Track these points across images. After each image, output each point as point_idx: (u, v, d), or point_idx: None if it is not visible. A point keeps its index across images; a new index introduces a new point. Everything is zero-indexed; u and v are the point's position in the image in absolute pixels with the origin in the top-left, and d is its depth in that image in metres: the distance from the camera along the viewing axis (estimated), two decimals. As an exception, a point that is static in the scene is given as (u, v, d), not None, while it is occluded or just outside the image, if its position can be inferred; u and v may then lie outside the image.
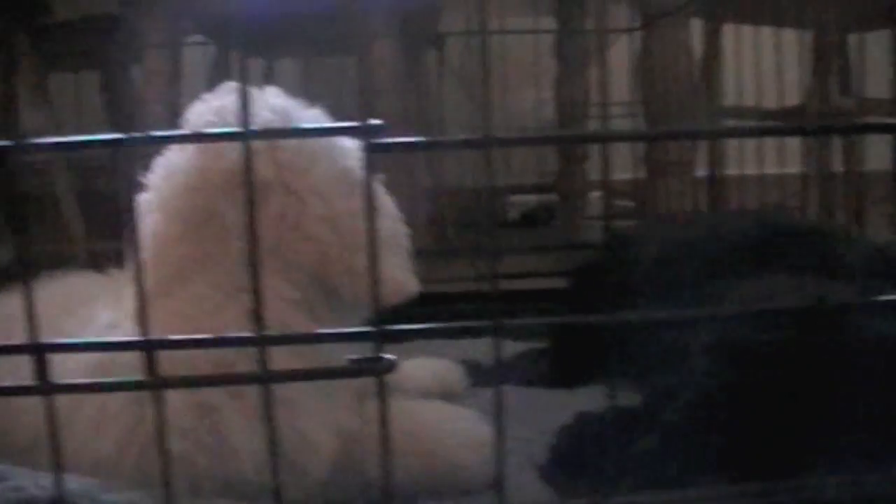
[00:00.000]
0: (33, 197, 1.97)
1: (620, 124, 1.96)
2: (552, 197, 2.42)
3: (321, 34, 1.97)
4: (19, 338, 0.74)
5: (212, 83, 2.12)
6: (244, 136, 0.46)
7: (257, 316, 0.46)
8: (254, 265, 0.45)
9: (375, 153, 0.47)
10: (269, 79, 2.45)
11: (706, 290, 0.83)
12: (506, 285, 1.59)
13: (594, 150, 1.88)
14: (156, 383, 0.48)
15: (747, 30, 2.06)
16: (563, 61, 2.11)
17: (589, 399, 0.94)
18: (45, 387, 0.48)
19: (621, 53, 1.87)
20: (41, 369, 0.48)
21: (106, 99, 2.27)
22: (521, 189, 2.60)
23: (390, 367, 0.49)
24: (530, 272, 1.56)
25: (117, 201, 0.62)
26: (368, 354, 0.49)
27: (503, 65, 1.78)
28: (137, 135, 0.47)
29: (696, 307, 0.80)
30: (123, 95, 2.29)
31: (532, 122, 2.53)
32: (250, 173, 0.45)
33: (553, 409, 0.91)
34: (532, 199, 2.56)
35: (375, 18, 1.84)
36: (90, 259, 1.94)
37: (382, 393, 0.49)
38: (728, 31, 1.96)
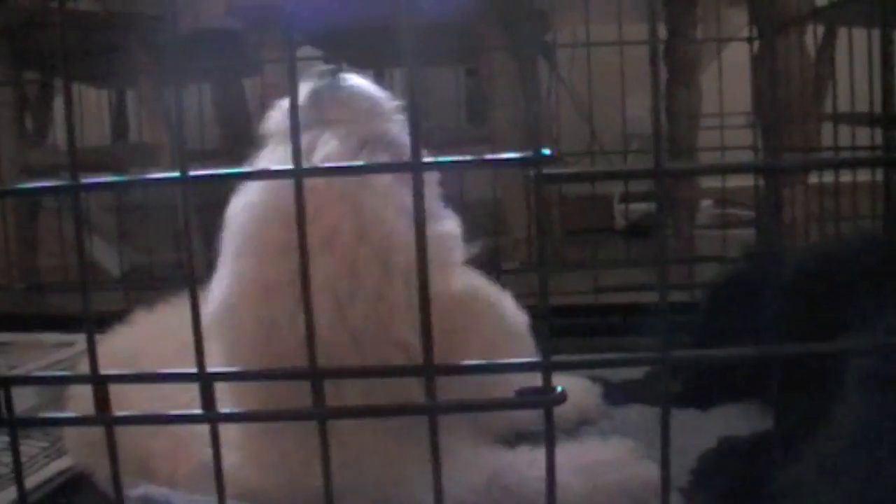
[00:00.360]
0: (152, 207, 2.04)
1: (734, 134, 1.91)
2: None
3: (429, 45, 1.97)
4: (149, 363, 0.76)
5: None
6: (294, 173, 0.45)
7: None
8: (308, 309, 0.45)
9: (546, 184, 0.47)
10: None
11: (852, 314, 0.80)
12: (615, 298, 1.58)
13: (705, 157, 1.83)
14: (322, 413, 0.48)
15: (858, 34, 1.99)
16: (673, 69, 2.07)
17: (724, 421, 0.92)
18: (213, 416, 0.49)
19: (733, 61, 1.83)
20: (208, 397, 0.49)
21: (218, 112, 2.33)
22: (629, 197, 2.57)
23: (561, 399, 0.48)
24: (643, 285, 1.54)
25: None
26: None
27: (612, 71, 1.76)
28: (199, 173, 0.47)
29: (845, 333, 0.77)
30: (237, 108, 2.35)
31: (641, 129, 2.49)
32: (302, 215, 0.45)
33: (687, 431, 0.89)
34: (641, 207, 2.51)
35: (488, 31, 1.84)
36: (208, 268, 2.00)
37: (550, 426, 0.48)
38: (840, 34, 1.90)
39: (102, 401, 0.52)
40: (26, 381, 0.57)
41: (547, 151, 0.46)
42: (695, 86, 1.94)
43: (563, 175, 0.47)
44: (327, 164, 0.65)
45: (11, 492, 0.91)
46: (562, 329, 1.41)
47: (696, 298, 1.58)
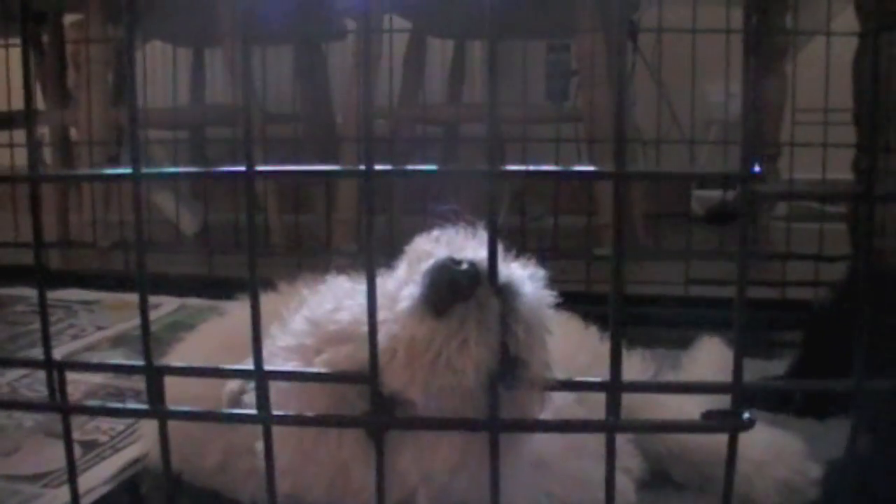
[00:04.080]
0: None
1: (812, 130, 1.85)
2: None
3: (514, 18, 1.94)
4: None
5: (408, 65, 2.13)
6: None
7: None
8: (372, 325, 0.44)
9: (754, 202, 0.44)
10: (458, 62, 2.45)
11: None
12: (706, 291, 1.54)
13: (801, 154, 1.78)
14: (380, 422, 0.47)
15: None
16: (757, 57, 2.01)
17: (842, 434, 0.89)
18: (266, 417, 0.48)
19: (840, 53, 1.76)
20: (263, 396, 0.48)
21: (298, 77, 2.32)
22: (706, 183, 2.52)
23: (749, 425, 0.46)
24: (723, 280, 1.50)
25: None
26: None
27: (694, 56, 1.71)
28: (263, 168, 0.45)
29: None
30: (317, 74, 2.33)
31: (721, 115, 2.43)
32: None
33: (804, 441, 0.86)
34: (717, 194, 2.46)
35: (581, 8, 1.80)
36: (284, 231, 2.00)
37: (733, 453, 0.46)
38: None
39: (157, 393, 0.51)
40: (78, 366, 0.56)
41: (758, 169, 0.44)
42: (781, 76, 1.88)
43: (775, 194, 0.44)
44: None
45: (111, 463, 0.91)
46: (653, 319, 1.39)
47: (786, 296, 1.56)
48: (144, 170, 0.49)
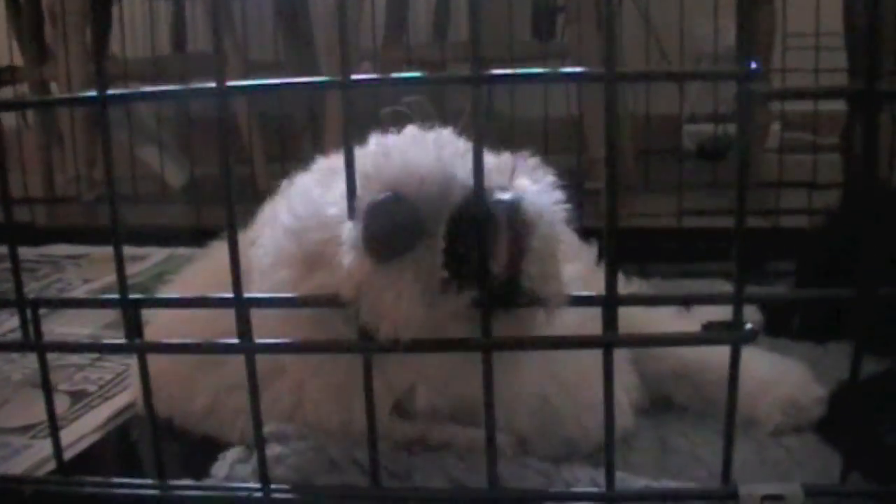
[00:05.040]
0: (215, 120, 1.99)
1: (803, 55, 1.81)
2: (730, 127, 2.29)
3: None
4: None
5: (391, 5, 2.07)
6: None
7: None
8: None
9: (753, 101, 0.42)
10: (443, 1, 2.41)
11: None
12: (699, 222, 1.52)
13: (792, 79, 1.75)
14: (366, 348, 0.46)
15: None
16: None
17: (843, 357, 0.88)
18: (248, 346, 0.47)
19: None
20: (244, 325, 0.47)
21: (280, 23, 2.27)
22: (696, 118, 2.48)
23: (752, 336, 0.44)
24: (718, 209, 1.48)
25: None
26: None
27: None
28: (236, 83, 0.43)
29: None
30: (299, 19, 2.29)
31: (710, 49, 2.39)
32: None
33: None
34: (708, 129, 2.43)
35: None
36: (270, 179, 1.98)
37: (735, 367, 0.45)
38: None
39: (135, 326, 0.49)
40: (52, 303, 0.54)
41: (754, 65, 0.42)
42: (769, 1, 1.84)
43: (772, 93, 0.42)
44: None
45: (100, 413, 0.90)
46: (646, 252, 1.37)
47: (778, 224, 1.54)
48: (110, 92, 0.46)
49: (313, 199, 0.53)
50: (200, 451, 0.69)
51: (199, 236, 1.62)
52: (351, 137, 0.43)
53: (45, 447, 0.82)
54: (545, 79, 0.43)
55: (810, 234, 1.13)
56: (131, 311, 0.49)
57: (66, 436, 0.84)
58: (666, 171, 1.86)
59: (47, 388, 0.53)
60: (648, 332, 0.48)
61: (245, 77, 1.97)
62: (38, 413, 0.89)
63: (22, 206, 1.71)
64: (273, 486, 0.49)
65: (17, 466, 0.77)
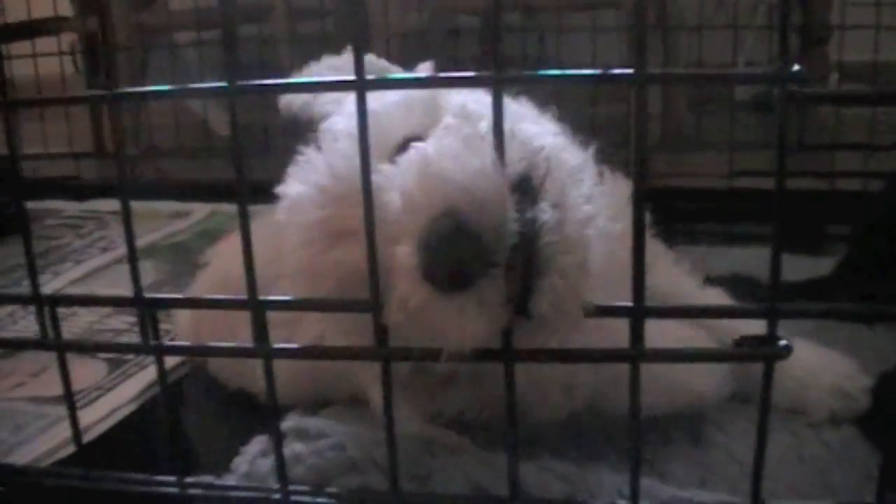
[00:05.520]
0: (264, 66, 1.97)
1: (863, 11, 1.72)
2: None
3: None
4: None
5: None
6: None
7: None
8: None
9: (791, 106, 0.39)
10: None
11: None
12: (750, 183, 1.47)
13: (835, 39, 1.67)
14: (385, 354, 0.44)
15: None
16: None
17: (891, 342, 0.85)
18: (265, 350, 0.46)
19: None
20: (260, 328, 0.45)
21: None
22: (752, 65, 2.40)
23: (785, 353, 0.42)
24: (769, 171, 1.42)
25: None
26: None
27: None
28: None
29: None
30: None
31: None
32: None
33: (854, 349, 0.82)
34: (765, 80, 2.35)
35: None
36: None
37: (768, 385, 0.42)
38: None
39: (152, 327, 0.48)
40: (70, 300, 0.53)
41: (797, 67, 0.39)
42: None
43: (817, 96, 0.39)
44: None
45: (139, 380, 0.90)
46: (696, 213, 1.33)
47: (836, 187, 1.48)
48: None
49: (343, 166, 0.50)
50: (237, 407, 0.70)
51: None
52: (365, 142, 0.41)
53: (81, 418, 0.83)
54: (565, 80, 0.40)
55: (868, 199, 1.08)
56: (147, 312, 0.48)
57: (102, 406, 0.85)
58: (719, 125, 1.80)
59: (69, 390, 0.52)
60: (676, 348, 0.45)
61: (291, 27, 1.96)
62: (77, 380, 0.90)
63: (67, 159, 1.72)
64: (291, 488, 0.49)
65: (53, 439, 0.78)
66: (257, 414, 0.60)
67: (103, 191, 1.63)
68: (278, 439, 0.49)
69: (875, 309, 0.45)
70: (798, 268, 1.08)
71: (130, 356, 0.96)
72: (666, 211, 1.13)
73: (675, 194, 1.43)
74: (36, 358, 0.95)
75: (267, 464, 0.53)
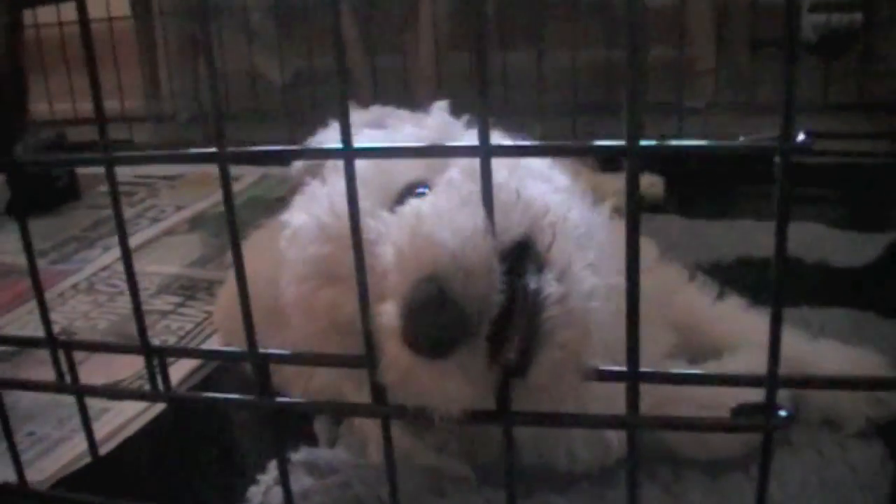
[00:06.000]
0: (314, 8, 1.95)
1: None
2: (856, 17, 2.11)
3: None
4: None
5: None
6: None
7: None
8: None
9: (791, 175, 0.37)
10: None
11: None
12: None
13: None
14: (383, 412, 0.43)
15: None
16: None
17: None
18: (266, 403, 0.45)
19: None
20: (264, 380, 0.45)
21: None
22: (820, 6, 2.29)
23: (786, 423, 0.41)
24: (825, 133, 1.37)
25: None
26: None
27: None
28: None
29: None
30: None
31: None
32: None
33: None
34: (833, 18, 2.24)
35: None
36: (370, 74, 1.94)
37: (767, 456, 0.41)
38: None
39: (164, 376, 0.49)
40: (82, 346, 0.53)
41: (802, 137, 0.37)
42: None
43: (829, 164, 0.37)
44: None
45: (178, 369, 0.92)
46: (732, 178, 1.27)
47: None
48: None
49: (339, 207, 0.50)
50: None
51: (293, 153, 1.64)
52: (355, 205, 0.41)
53: (123, 410, 0.85)
54: (556, 152, 0.39)
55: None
56: (159, 361, 0.49)
57: (139, 403, 0.87)
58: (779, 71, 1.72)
59: (88, 428, 0.53)
60: (672, 416, 0.44)
61: None
62: (122, 368, 0.93)
63: (120, 123, 1.74)
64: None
65: (98, 431, 0.80)
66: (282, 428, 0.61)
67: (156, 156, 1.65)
68: (284, 475, 0.49)
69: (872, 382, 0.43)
70: (850, 247, 1.05)
71: (172, 341, 0.98)
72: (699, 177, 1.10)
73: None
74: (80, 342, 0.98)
75: (280, 494, 0.54)
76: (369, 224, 0.47)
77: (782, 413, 0.41)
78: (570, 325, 0.43)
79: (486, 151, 0.39)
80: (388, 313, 0.43)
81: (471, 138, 0.50)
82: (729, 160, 1.25)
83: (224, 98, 1.76)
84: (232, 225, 0.44)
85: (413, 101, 1.93)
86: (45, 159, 1.10)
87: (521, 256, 0.44)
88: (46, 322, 0.51)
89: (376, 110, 0.63)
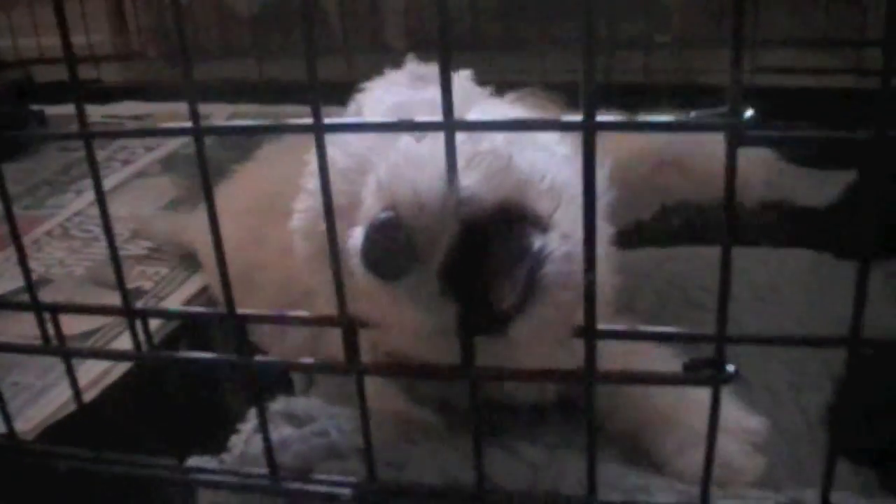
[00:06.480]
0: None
1: None
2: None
3: None
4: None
5: None
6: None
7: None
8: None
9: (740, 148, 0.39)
10: None
11: None
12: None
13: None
14: (356, 370, 0.46)
15: None
16: None
17: (889, 291, 0.85)
18: (244, 361, 0.48)
19: None
20: (241, 340, 0.47)
21: None
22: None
23: (732, 378, 0.44)
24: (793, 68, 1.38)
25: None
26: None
27: None
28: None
29: None
30: None
31: None
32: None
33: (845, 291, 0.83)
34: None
35: None
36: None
37: (716, 407, 0.44)
38: None
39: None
40: (65, 309, 0.55)
41: (750, 113, 0.39)
42: None
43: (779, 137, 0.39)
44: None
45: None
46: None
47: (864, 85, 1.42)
48: None
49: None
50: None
51: (263, 91, 1.62)
52: (326, 179, 0.43)
53: (93, 367, 0.87)
54: (518, 126, 0.41)
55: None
56: (135, 319, 0.51)
57: (121, 344, 0.88)
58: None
59: (74, 382, 0.55)
60: (628, 370, 0.47)
61: None
62: (99, 316, 0.94)
63: (87, 63, 1.72)
64: (279, 475, 0.53)
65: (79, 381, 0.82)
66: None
67: (123, 94, 1.65)
68: (265, 429, 0.52)
69: (817, 340, 0.46)
70: (810, 185, 1.07)
71: (148, 287, 1.00)
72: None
73: (692, 90, 1.40)
74: (58, 293, 0.99)
75: (260, 443, 0.57)
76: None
77: (730, 368, 0.44)
78: (568, 287, 0.45)
79: (450, 128, 0.40)
80: (356, 237, 0.47)
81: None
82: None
83: (192, 36, 1.75)
84: (208, 191, 0.45)
85: (383, 42, 1.90)
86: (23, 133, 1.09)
87: (522, 218, 0.47)
88: (29, 284, 0.53)
89: (412, 68, 0.65)
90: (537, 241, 0.47)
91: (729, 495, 0.52)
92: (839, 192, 1.03)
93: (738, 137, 0.39)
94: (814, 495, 0.51)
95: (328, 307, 0.53)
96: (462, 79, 0.62)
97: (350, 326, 0.47)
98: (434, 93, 0.58)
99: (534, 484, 0.54)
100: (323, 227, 0.52)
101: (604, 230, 0.60)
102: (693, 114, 0.41)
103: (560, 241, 0.47)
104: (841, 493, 0.48)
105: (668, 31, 1.64)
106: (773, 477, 0.58)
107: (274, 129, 0.45)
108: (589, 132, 0.39)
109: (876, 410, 0.64)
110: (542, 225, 0.48)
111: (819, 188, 1.05)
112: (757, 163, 0.73)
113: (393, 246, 0.45)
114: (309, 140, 0.43)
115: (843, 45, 1.47)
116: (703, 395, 0.53)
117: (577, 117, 0.39)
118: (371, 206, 0.48)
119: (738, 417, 0.62)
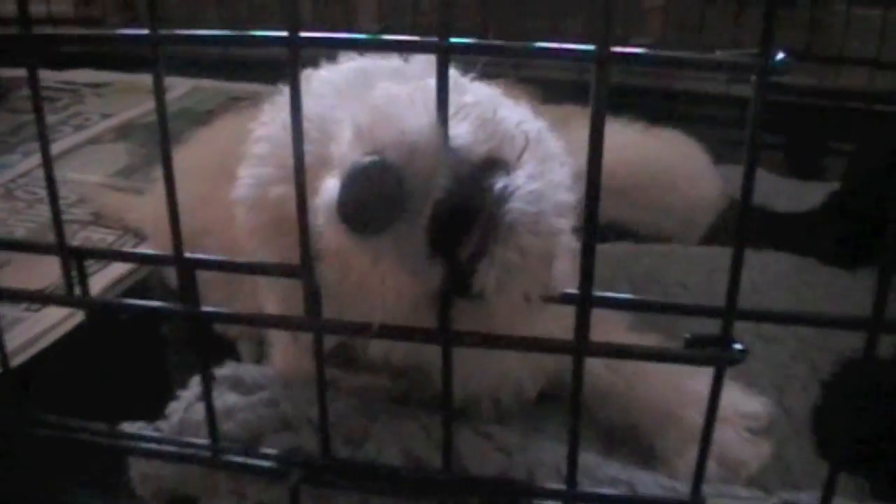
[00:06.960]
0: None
1: None
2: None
3: None
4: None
5: None
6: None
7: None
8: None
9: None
10: None
11: None
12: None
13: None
14: (319, 327, 0.41)
15: None
16: None
17: (868, 286, 0.82)
18: (194, 311, 0.42)
19: None
20: (187, 286, 0.42)
21: None
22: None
23: (740, 357, 0.39)
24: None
25: None
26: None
27: None
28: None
29: None
30: None
31: None
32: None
33: (831, 296, 0.80)
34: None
35: None
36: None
37: (717, 388, 0.40)
38: None
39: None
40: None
41: (781, 56, 0.35)
42: None
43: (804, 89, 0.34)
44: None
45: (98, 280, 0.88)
46: (692, 117, 1.27)
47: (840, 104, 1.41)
48: None
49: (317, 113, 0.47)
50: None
51: (228, 66, 1.56)
52: (297, 99, 0.38)
53: (41, 319, 0.81)
54: (519, 53, 0.36)
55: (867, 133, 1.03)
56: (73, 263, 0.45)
57: (57, 312, 0.82)
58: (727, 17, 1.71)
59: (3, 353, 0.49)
60: (624, 344, 0.43)
61: None
62: (44, 275, 0.87)
63: (44, 25, 1.65)
64: (221, 446, 0.47)
65: (11, 342, 0.76)
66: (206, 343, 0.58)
67: (82, 61, 1.58)
68: (208, 393, 0.47)
69: (833, 320, 0.41)
70: (790, 193, 1.04)
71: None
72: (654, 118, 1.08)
73: (669, 96, 1.37)
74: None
75: (201, 412, 0.51)
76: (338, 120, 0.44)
77: (738, 346, 0.39)
78: (535, 232, 0.40)
79: (443, 49, 0.36)
80: (329, 188, 0.40)
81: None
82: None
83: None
84: (162, 117, 0.40)
85: (356, 26, 1.85)
86: None
87: (493, 167, 0.41)
88: (60, 230, 0.46)
89: (350, 64, 0.57)
90: (500, 181, 0.41)
91: (723, 494, 0.47)
92: (822, 199, 1.01)
93: (766, 80, 0.35)
94: (808, 498, 0.47)
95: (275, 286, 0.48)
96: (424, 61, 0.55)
97: (312, 277, 0.42)
98: (397, 61, 0.53)
99: (507, 470, 0.49)
100: (273, 194, 0.47)
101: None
102: (718, 52, 0.36)
103: (526, 180, 0.41)
104: (837, 497, 0.44)
105: (649, 35, 1.61)
106: (763, 480, 0.54)
107: (243, 41, 0.39)
108: (602, 64, 0.35)
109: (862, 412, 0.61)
110: (508, 168, 0.42)
111: (800, 197, 1.03)
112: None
113: (379, 193, 0.38)
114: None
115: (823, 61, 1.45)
116: (701, 385, 0.50)
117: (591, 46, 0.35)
118: (348, 154, 0.41)
119: (737, 401, 0.58)
